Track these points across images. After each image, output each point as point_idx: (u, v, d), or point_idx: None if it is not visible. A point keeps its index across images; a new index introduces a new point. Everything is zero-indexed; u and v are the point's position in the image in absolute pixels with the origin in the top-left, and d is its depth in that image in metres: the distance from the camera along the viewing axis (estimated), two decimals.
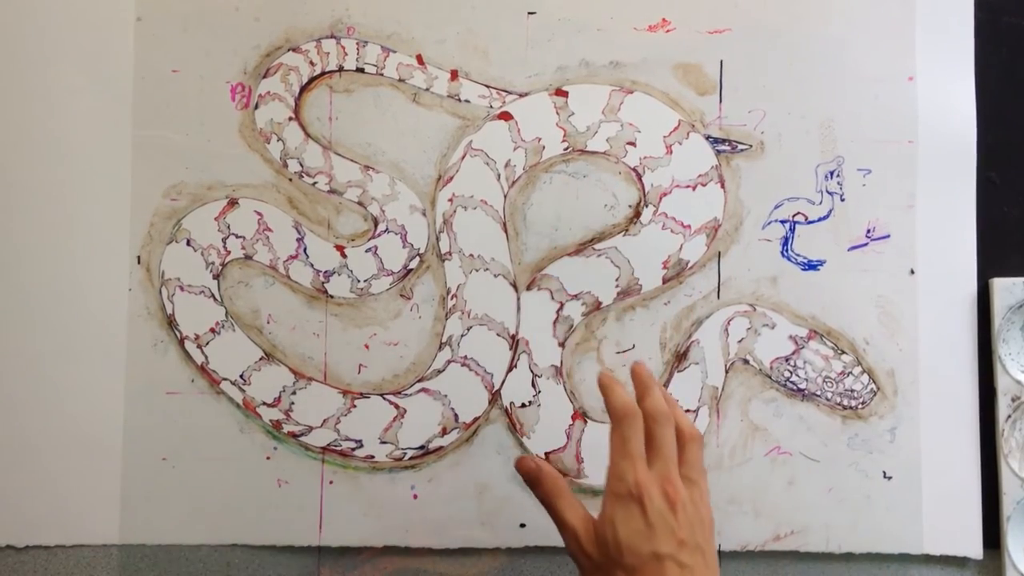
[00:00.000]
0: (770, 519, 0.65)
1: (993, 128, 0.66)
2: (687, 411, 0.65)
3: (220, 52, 0.65)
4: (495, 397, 0.65)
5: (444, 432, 0.65)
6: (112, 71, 0.65)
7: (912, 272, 0.66)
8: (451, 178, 0.65)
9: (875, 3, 0.67)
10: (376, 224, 0.65)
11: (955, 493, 0.65)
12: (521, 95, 0.66)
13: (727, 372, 0.65)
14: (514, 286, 0.65)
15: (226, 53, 0.65)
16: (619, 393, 0.52)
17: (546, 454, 0.65)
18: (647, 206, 0.65)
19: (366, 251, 0.65)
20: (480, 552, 0.65)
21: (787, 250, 0.66)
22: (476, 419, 0.65)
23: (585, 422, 0.65)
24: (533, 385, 0.65)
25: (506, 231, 0.65)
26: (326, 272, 0.65)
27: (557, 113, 0.65)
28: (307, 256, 0.65)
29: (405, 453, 0.65)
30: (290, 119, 0.65)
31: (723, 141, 0.66)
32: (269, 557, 0.65)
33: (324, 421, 0.64)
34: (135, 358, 0.64)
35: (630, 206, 0.66)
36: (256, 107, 0.65)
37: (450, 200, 0.65)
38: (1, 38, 0.65)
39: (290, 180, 0.65)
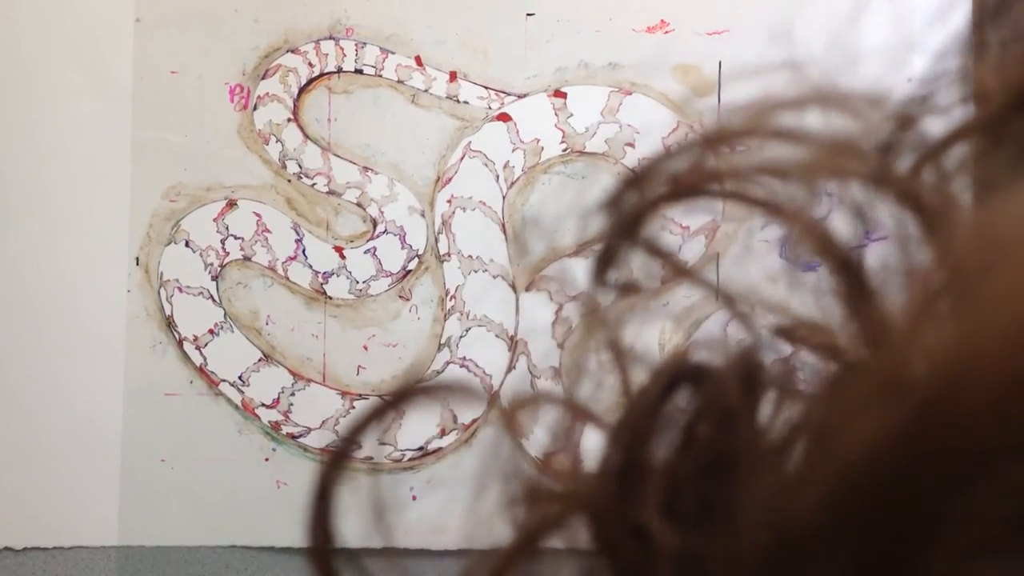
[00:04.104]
0: None
1: None
2: None
3: (219, 53, 0.65)
4: (494, 398, 0.65)
5: (443, 433, 0.65)
6: (111, 72, 0.65)
7: None
8: (450, 179, 0.65)
9: (877, 5, 0.67)
10: (375, 225, 0.65)
11: None
12: (520, 96, 0.66)
13: None
14: (513, 287, 0.65)
15: (225, 54, 0.65)
16: None
17: (545, 455, 0.65)
18: None
19: (365, 252, 0.65)
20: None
21: (786, 251, 0.66)
22: (475, 420, 0.65)
23: (584, 423, 0.65)
24: (532, 387, 0.65)
25: (505, 232, 0.65)
26: (325, 273, 0.65)
27: (556, 114, 0.65)
28: (306, 257, 0.65)
29: (404, 454, 0.65)
30: (289, 120, 0.65)
31: None
32: (268, 558, 0.65)
33: (323, 422, 0.64)
34: (134, 359, 0.64)
35: None
36: (255, 108, 0.65)
37: (449, 201, 0.65)
38: None
39: (289, 181, 0.65)
